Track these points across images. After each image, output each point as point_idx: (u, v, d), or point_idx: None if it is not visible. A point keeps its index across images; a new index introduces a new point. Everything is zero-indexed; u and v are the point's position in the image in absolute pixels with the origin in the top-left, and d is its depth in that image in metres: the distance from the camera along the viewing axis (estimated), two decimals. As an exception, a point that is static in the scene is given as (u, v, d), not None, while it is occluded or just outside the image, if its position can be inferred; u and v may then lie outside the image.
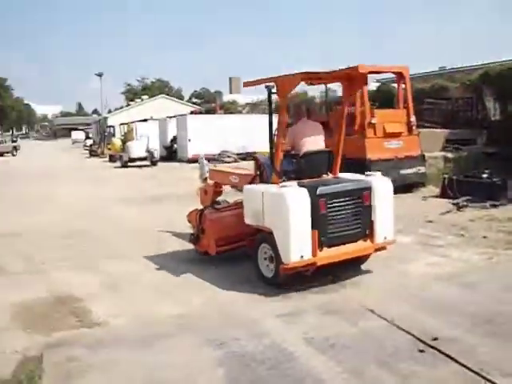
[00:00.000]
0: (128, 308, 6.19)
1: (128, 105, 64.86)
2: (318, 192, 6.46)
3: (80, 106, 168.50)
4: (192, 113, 35.52)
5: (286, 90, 6.93)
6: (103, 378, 4.48)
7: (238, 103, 54.36)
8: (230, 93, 78.71)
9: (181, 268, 7.71)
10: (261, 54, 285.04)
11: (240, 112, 46.41)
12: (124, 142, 32.29)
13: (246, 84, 8.08)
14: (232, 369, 4.47)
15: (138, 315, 5.96)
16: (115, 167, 30.37)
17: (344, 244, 6.77)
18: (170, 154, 33.33)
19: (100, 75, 65.55)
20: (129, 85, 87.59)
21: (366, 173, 7.50)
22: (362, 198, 6.85)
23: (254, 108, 44.75)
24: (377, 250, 7.17)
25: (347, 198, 6.74)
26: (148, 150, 30.13)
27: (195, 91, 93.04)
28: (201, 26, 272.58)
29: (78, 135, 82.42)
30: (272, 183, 6.87)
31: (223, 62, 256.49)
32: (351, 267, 7.20)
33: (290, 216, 6.28)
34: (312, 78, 7.50)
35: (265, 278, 6.89)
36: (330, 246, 6.61)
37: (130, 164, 29.51)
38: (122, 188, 19.13)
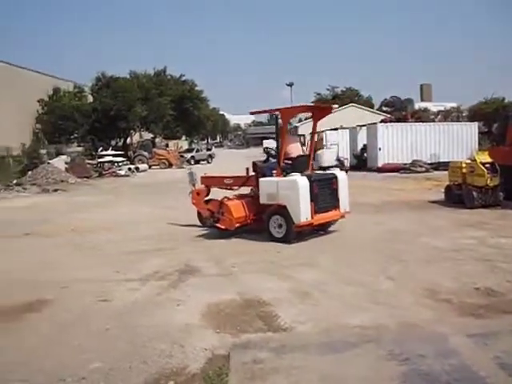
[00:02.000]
0: (314, 315, 6.20)
1: (318, 114, 65.58)
2: (312, 179, 10.73)
3: (271, 115, 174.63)
4: (382, 121, 34.99)
5: (287, 117, 11.55)
6: (286, 383, 4.54)
7: (430, 111, 52.50)
8: (421, 100, 76.33)
9: (374, 283, 7.54)
10: (455, 58, 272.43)
11: (432, 120, 44.80)
12: (314, 150, 32.60)
13: (253, 113, 12.68)
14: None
15: (324, 323, 5.95)
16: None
17: (326, 212, 11.03)
18: (360, 162, 33.05)
19: (290, 85, 67.15)
20: (318, 94, 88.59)
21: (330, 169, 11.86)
22: (332, 184, 11.20)
23: (447, 115, 42.91)
24: (341, 216, 11.52)
25: (327, 183, 11.12)
26: (338, 159, 30.06)
27: (385, 99, 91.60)
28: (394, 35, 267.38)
29: (269, 144, 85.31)
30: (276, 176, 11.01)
31: (414, 69, 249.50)
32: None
33: (300, 193, 10.35)
34: (307, 110, 13.14)
35: (275, 238, 10.72)
36: (319, 213, 10.78)
37: (319, 172, 29.74)
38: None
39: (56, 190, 26.74)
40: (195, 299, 6.97)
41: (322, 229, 11.51)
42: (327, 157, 30.11)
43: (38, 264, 9.71)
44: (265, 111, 13.38)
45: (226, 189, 12.81)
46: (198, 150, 58.24)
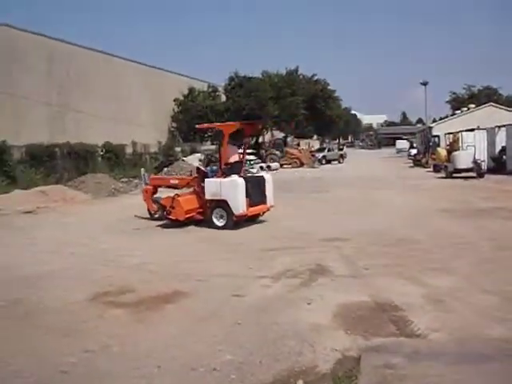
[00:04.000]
0: (449, 323, 5.97)
1: (453, 114, 63.11)
2: (247, 179, 13.74)
3: (404, 115, 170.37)
4: (525, 121, 32.76)
5: (227, 132, 13.88)
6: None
7: None
8: None
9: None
10: None
11: None
12: (449, 152, 31.32)
13: (199, 127, 17.08)
14: None
15: (459, 332, 5.70)
16: (438, 177, 29.83)
17: (257, 205, 13.97)
18: (498, 165, 31.27)
19: (425, 84, 65.16)
20: (454, 93, 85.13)
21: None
22: (261, 183, 14.26)
23: None
24: (268, 209, 14.43)
25: (257, 183, 14.17)
26: (474, 161, 28.67)
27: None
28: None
29: (401, 145, 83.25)
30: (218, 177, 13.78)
31: None
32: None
33: (238, 190, 13.21)
34: (241, 125, 14.63)
35: (216, 226, 13.48)
36: (252, 206, 13.67)
37: (454, 175, 28.58)
38: (444, 199, 18.61)
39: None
40: (326, 299, 6.97)
41: (253, 220, 14.27)
42: (463, 159, 28.88)
43: (175, 257, 10.19)
44: (209, 126, 17.65)
45: (172, 188, 15.30)
46: (329, 150, 58.19)
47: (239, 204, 13.20)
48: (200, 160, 36.56)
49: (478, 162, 28.77)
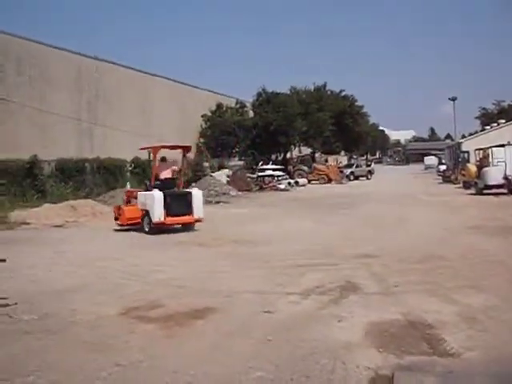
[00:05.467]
0: (484, 342, 5.83)
1: (483, 129, 62.49)
2: (167, 194, 16.15)
3: (432, 130, 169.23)
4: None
5: (156, 152, 17.24)
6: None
7: None
8: None
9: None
10: None
11: None
12: (479, 168, 30.92)
13: (142, 148, 20.13)
14: None
15: (494, 351, 5.57)
16: (468, 194, 29.48)
17: (179, 216, 16.28)
18: (529, 181, 30.73)
19: (453, 99, 64.65)
20: (483, 108, 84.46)
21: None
22: (187, 198, 16.61)
23: None
24: (196, 220, 16.68)
25: (181, 197, 16.65)
26: (505, 177, 28.25)
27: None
28: None
29: (430, 161, 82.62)
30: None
31: None
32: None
33: (154, 202, 15.89)
34: (169, 147, 18.28)
35: (145, 231, 16.24)
36: (171, 216, 16.11)
37: (485, 191, 28.18)
38: (474, 216, 18.36)
39: (218, 202, 27.99)
40: (356, 316, 6.88)
41: (185, 228, 16.74)
42: (493, 175, 28.46)
43: (203, 273, 10.18)
44: (147, 148, 18.90)
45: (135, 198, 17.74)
46: (357, 166, 58.10)
47: (156, 214, 15.93)
48: (227, 176, 36.76)
49: (509, 178, 28.33)
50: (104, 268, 10.84)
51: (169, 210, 16.04)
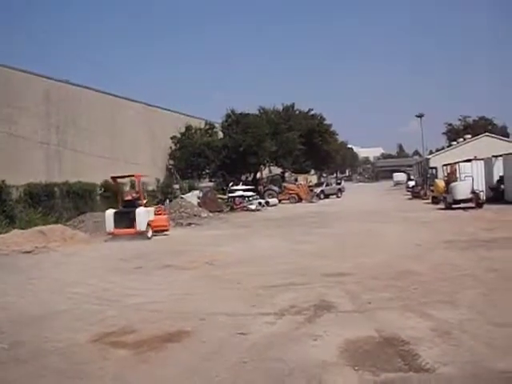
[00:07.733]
0: (458, 357, 5.86)
1: (450, 145, 63.51)
2: (116, 211, 21.82)
3: (400, 147, 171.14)
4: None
5: (115, 181, 25.42)
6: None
7: None
8: None
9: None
10: None
11: None
12: (447, 183, 31.41)
13: (113, 177, 25.11)
14: None
15: (469, 366, 5.60)
16: (437, 209, 29.86)
17: (123, 229, 21.06)
18: (497, 195, 31.36)
19: (420, 116, 65.81)
20: (450, 124, 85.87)
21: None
22: (131, 214, 21.19)
23: None
24: (137, 233, 21.01)
25: (126, 213, 21.36)
26: (473, 192, 28.75)
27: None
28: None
29: (399, 177, 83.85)
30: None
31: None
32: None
33: (106, 217, 21.72)
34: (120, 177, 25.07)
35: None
36: (117, 228, 21.21)
37: (453, 206, 28.59)
38: (445, 231, 18.61)
39: (190, 224, 27.82)
40: (332, 335, 6.88)
41: (133, 237, 20.61)
42: (461, 189, 28.97)
43: (177, 296, 10.09)
44: (124, 176, 25.34)
45: None
46: (327, 184, 58.51)
47: (107, 225, 21.39)
48: (198, 197, 36.65)
49: (477, 192, 28.85)
50: (76, 294, 10.67)
51: (115, 223, 21.15)
